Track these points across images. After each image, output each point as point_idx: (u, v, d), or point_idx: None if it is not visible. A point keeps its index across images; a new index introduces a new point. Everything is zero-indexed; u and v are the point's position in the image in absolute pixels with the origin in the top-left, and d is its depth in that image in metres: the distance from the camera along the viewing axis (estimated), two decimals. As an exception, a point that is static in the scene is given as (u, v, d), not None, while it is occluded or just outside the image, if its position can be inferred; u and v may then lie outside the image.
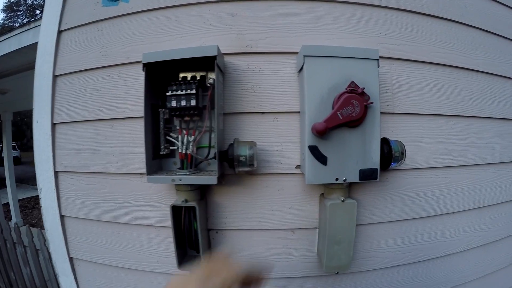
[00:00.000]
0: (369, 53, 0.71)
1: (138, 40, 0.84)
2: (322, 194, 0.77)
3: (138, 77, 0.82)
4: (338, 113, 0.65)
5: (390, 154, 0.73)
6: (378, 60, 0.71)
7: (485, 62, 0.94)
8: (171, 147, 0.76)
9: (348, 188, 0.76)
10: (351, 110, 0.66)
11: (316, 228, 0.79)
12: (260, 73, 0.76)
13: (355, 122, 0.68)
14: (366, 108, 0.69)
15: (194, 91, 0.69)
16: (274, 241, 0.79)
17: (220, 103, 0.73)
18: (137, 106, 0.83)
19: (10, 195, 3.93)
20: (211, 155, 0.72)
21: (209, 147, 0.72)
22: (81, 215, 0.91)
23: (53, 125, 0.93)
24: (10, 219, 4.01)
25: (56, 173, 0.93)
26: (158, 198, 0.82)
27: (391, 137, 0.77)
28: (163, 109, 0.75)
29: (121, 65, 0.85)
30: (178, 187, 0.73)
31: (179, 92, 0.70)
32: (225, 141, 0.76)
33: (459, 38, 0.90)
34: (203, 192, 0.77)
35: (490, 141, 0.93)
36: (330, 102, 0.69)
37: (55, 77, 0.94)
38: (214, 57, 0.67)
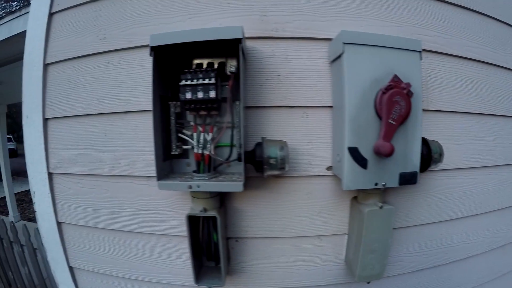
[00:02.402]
0: (412, 44, 0.58)
1: (142, 21, 0.66)
2: (355, 197, 0.64)
3: (143, 63, 0.65)
4: (389, 120, 0.53)
5: (429, 156, 0.61)
6: (421, 52, 0.58)
7: (513, 59, 0.82)
8: (184, 147, 0.60)
9: (384, 192, 0.63)
10: (399, 109, 0.54)
11: (345, 234, 0.67)
12: (288, 61, 0.61)
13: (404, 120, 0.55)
14: (410, 102, 0.56)
15: (213, 81, 0.53)
16: (300, 249, 0.66)
17: (245, 94, 0.57)
18: (142, 98, 0.66)
19: (7, 190, 3.57)
20: (233, 156, 0.57)
21: (231, 146, 0.57)
22: (80, 222, 0.74)
23: (45, 120, 0.75)
24: (7, 214, 3.68)
25: (50, 175, 0.75)
26: (168, 204, 0.66)
27: (425, 136, 0.65)
28: (174, 102, 0.59)
29: (122, 50, 0.67)
30: (195, 194, 0.58)
31: (195, 81, 0.54)
32: (247, 139, 0.61)
33: (490, 33, 0.78)
34: (222, 198, 0.62)
35: (517, 141, 0.83)
36: (371, 97, 0.55)
37: (46, 65, 0.75)
38: (238, 40, 0.51)
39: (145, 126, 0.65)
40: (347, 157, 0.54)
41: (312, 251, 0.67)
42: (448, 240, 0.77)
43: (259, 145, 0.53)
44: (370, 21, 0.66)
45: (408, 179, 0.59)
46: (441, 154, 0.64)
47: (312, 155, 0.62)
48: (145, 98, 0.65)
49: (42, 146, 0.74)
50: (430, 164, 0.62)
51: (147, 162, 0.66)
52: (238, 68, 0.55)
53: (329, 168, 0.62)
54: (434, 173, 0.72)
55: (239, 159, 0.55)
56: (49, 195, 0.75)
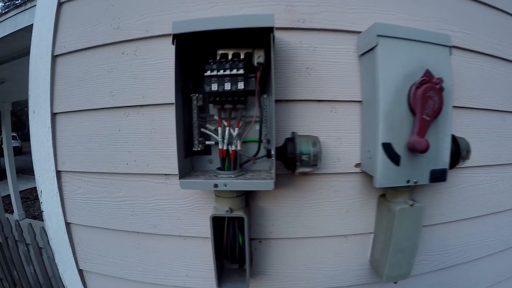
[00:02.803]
0: (442, 39, 0.55)
1: (160, 9, 0.60)
2: (382, 195, 0.60)
3: (161, 54, 0.59)
4: (423, 115, 0.49)
5: (458, 153, 0.57)
6: (450, 47, 0.54)
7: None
8: (207, 142, 0.54)
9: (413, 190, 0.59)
10: (432, 104, 0.50)
11: (371, 233, 0.62)
12: (315, 53, 0.56)
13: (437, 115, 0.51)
14: (443, 98, 0.52)
15: (242, 71, 0.48)
16: (325, 250, 0.61)
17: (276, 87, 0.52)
18: (160, 91, 0.59)
19: (11, 188, 3.44)
20: (262, 152, 0.52)
21: (260, 141, 0.52)
22: (90, 222, 0.68)
23: (53, 115, 0.68)
24: (12, 212, 3.53)
25: (58, 173, 0.68)
26: (187, 204, 0.60)
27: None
28: (197, 94, 0.53)
29: (138, 40, 0.61)
30: (220, 193, 0.52)
31: (222, 72, 0.48)
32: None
33: (509, 30, 0.75)
34: (247, 197, 0.57)
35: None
36: (405, 92, 0.51)
37: (54, 57, 0.68)
38: (270, 29, 0.45)
39: (163, 120, 0.59)
40: (380, 153, 0.50)
41: (338, 251, 0.62)
42: (468, 239, 0.73)
43: (290, 140, 0.48)
44: (398, 15, 0.61)
45: (438, 176, 0.55)
46: (468, 151, 0.60)
47: (341, 151, 0.57)
48: (163, 90, 0.58)
49: (50, 142, 0.67)
50: (458, 161, 0.58)
51: (165, 159, 0.60)
52: (266, 59, 0.50)
53: (357, 165, 0.57)
54: (457, 170, 0.68)
55: (268, 155, 0.49)
56: (57, 194, 0.68)
